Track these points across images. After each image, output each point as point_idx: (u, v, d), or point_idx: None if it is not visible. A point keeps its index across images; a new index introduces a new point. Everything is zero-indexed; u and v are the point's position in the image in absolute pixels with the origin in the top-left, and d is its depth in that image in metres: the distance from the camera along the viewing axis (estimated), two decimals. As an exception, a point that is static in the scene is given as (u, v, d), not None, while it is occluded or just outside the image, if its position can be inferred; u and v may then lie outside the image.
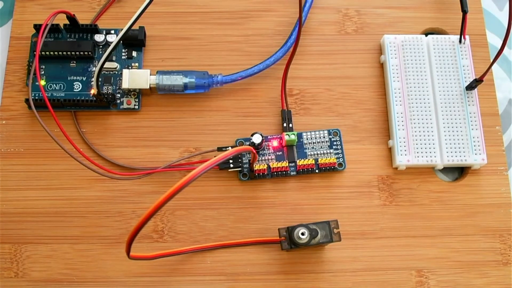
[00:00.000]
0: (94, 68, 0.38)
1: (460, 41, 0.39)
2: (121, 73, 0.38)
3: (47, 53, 0.37)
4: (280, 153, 0.37)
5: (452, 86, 0.38)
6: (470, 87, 0.38)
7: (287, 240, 0.33)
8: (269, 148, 0.37)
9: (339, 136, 0.37)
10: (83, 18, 0.39)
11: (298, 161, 0.36)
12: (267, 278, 0.35)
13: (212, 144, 0.37)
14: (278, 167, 0.36)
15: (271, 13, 0.41)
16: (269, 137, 0.37)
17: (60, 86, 0.38)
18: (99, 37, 0.38)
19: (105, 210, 0.36)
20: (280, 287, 0.35)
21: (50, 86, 0.37)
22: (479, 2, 0.42)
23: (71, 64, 0.38)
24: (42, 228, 0.35)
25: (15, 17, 0.40)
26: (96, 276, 0.34)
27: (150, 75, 0.37)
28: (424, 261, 0.35)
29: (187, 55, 0.39)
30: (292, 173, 0.36)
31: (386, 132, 0.38)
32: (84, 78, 0.38)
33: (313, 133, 0.37)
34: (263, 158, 0.36)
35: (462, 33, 0.39)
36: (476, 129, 0.37)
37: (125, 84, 0.37)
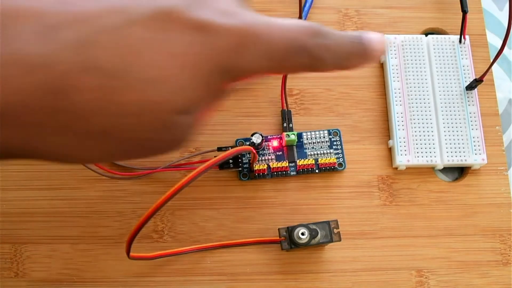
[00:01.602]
0: (94, 68, 0.38)
1: (460, 41, 0.39)
2: (121, 73, 0.38)
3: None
4: (280, 153, 0.37)
5: (452, 86, 0.38)
6: (470, 87, 0.38)
7: (287, 240, 0.33)
8: (269, 148, 0.37)
9: (339, 136, 0.37)
10: (83, 18, 0.39)
11: (298, 161, 0.36)
12: (267, 278, 0.35)
13: (212, 144, 0.37)
14: (278, 167, 0.36)
15: (271, 13, 0.41)
16: (269, 137, 0.37)
17: (60, 86, 0.37)
18: (99, 37, 0.38)
19: (105, 210, 0.36)
20: (280, 287, 0.35)
21: (50, 86, 0.37)
22: (479, 2, 0.41)
23: (71, 64, 0.38)
24: (42, 228, 0.35)
25: (15, 17, 0.40)
26: (96, 276, 0.34)
27: (150, 75, 0.37)
28: (424, 261, 0.35)
29: (187, 55, 0.39)
30: (292, 173, 0.36)
31: (386, 132, 0.38)
32: (84, 78, 0.38)
33: (313, 133, 0.37)
34: (263, 158, 0.36)
35: (462, 33, 0.39)
36: (476, 129, 0.37)
37: (125, 84, 0.37)
